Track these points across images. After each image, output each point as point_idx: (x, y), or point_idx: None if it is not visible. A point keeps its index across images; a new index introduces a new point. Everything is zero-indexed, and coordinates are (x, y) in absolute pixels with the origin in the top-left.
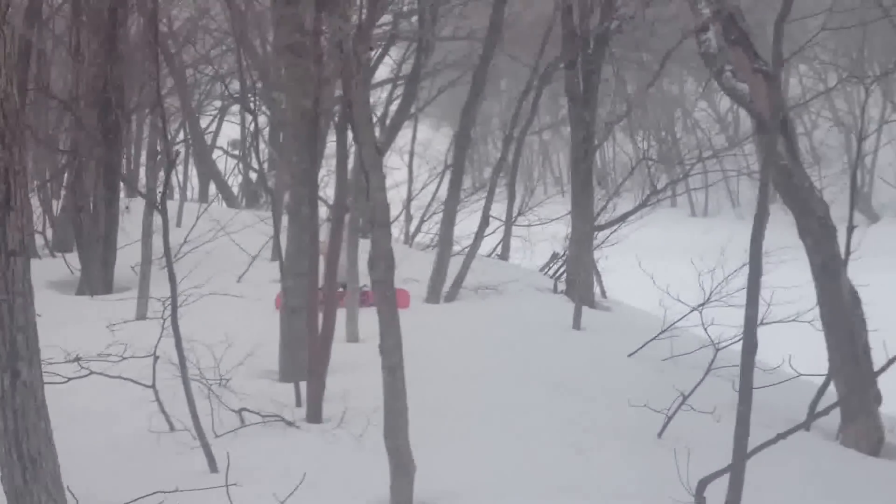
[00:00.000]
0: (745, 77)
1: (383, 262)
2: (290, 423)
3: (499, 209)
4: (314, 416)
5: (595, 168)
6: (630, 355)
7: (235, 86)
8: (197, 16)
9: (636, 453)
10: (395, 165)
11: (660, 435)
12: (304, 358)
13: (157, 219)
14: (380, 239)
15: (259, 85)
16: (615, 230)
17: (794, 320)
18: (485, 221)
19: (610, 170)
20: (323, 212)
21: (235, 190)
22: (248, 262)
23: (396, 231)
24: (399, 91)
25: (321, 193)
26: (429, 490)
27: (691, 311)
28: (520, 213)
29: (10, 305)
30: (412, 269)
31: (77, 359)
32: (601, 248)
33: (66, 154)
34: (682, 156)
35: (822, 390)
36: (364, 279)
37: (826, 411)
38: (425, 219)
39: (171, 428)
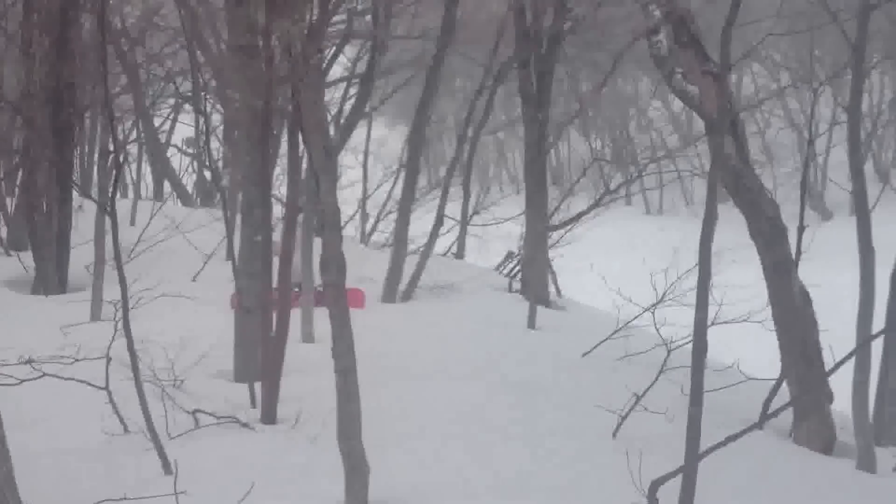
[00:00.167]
0: (695, 79)
1: (334, 264)
2: (244, 425)
3: (454, 208)
4: (269, 417)
5: (550, 167)
6: (584, 355)
7: (188, 85)
8: (149, 13)
9: (591, 453)
10: (350, 164)
11: (614, 435)
12: (259, 358)
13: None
14: (331, 242)
15: (213, 83)
16: (570, 229)
17: (745, 321)
18: (440, 220)
19: (565, 169)
20: (278, 210)
21: (190, 188)
22: (203, 261)
23: (352, 230)
24: (353, 90)
25: (275, 192)
26: (384, 491)
27: (644, 311)
28: (475, 213)
29: None
30: (368, 269)
31: (30, 361)
32: (556, 248)
33: (19, 154)
34: (636, 155)
35: (775, 389)
36: (319, 279)
37: (777, 412)
38: (381, 218)
39: (126, 430)
